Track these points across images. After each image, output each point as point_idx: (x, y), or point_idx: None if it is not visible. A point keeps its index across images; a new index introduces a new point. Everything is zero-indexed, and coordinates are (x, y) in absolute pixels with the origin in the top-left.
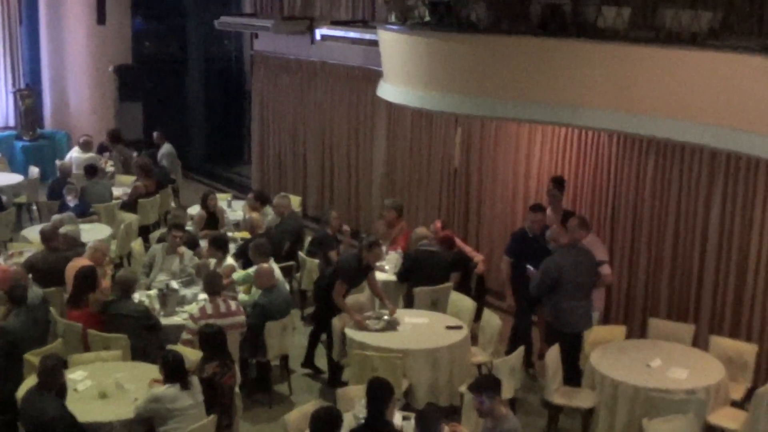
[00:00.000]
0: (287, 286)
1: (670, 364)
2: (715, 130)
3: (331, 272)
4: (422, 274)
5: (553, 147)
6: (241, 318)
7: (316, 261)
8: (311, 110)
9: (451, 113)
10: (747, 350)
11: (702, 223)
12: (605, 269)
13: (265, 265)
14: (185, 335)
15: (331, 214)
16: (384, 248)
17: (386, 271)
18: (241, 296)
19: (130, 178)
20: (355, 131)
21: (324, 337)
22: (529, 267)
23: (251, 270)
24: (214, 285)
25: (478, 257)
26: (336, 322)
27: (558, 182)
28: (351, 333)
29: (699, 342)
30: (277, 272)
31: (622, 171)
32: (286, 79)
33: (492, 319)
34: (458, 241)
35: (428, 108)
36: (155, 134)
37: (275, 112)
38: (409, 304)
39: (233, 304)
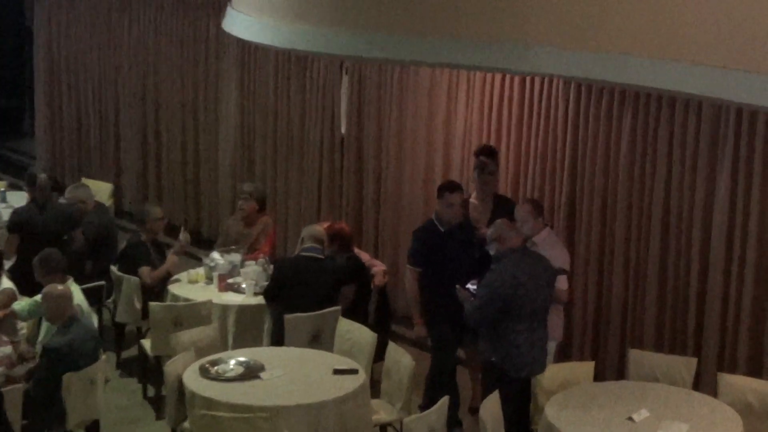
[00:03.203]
0: (94, 318)
1: (662, 415)
2: (721, 75)
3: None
4: (300, 292)
5: (484, 104)
6: (23, 368)
7: (135, 279)
8: (125, 56)
9: (335, 56)
10: None
11: (703, 209)
12: (562, 281)
13: (58, 286)
14: None
15: (151, 211)
16: (239, 256)
17: (243, 290)
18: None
19: None
20: (193, 86)
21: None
22: (469, 286)
23: (40, 297)
24: None
25: (378, 267)
26: (169, 368)
27: (487, 154)
28: (192, 384)
29: (703, 383)
30: (79, 297)
31: (585, 137)
32: (85, 9)
33: (401, 358)
34: None
35: (300, 49)
36: None
37: (71, 59)
38: (279, 337)
39: (9, 349)
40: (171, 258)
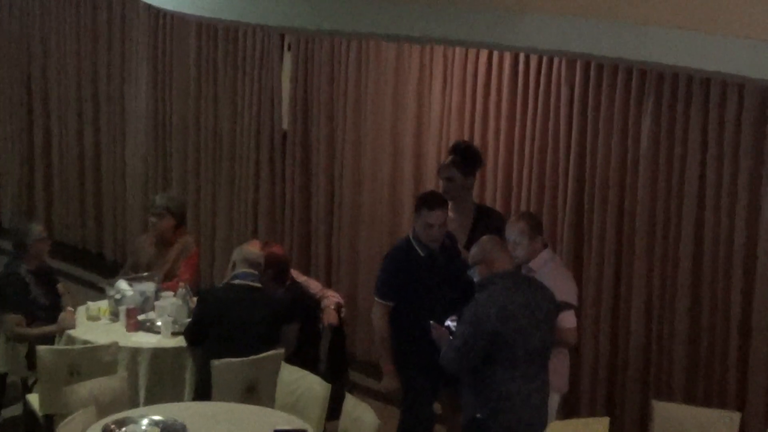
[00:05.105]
0: None
1: None
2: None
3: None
4: (232, 331)
5: (466, 90)
6: None
7: (16, 317)
8: (4, 31)
9: (274, 28)
10: None
11: (746, 221)
12: (567, 319)
13: None
14: None
15: (28, 230)
16: (153, 285)
17: (158, 329)
18: None
19: None
20: (92, 69)
21: None
22: (449, 323)
23: None
24: None
25: (330, 298)
26: (64, 430)
27: (461, 153)
28: None
29: None
30: None
31: (595, 132)
32: None
33: (362, 415)
34: (295, 272)
35: (230, 19)
36: None
37: None
38: (205, 389)
39: None
40: (60, 323)
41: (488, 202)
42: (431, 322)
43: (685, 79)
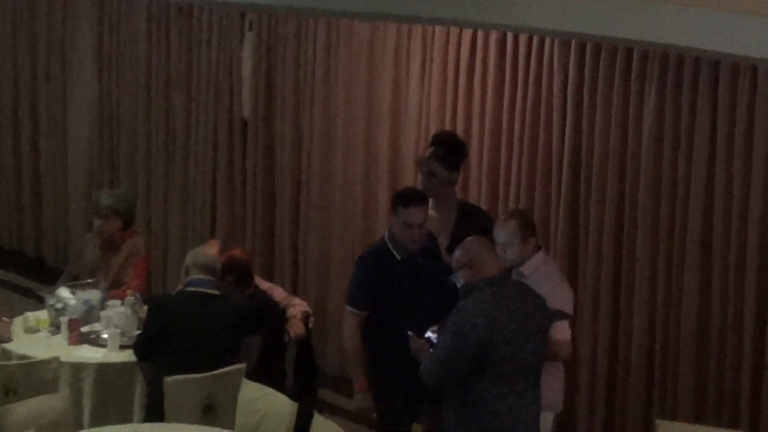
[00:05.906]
0: None
1: None
2: None
3: None
4: (187, 344)
5: (448, 74)
6: None
7: None
8: None
9: (234, 5)
10: None
11: (760, 220)
12: (560, 329)
13: None
14: None
15: None
16: (98, 293)
17: (104, 342)
18: None
19: None
20: (30, 51)
21: None
22: (429, 334)
23: None
24: None
25: (297, 307)
26: None
27: (443, 144)
28: None
29: None
30: None
31: (592, 120)
32: None
33: None
34: (258, 278)
35: None
36: None
37: None
38: (157, 408)
39: None
40: None
41: (473, 199)
42: (409, 332)
43: (692, 61)
